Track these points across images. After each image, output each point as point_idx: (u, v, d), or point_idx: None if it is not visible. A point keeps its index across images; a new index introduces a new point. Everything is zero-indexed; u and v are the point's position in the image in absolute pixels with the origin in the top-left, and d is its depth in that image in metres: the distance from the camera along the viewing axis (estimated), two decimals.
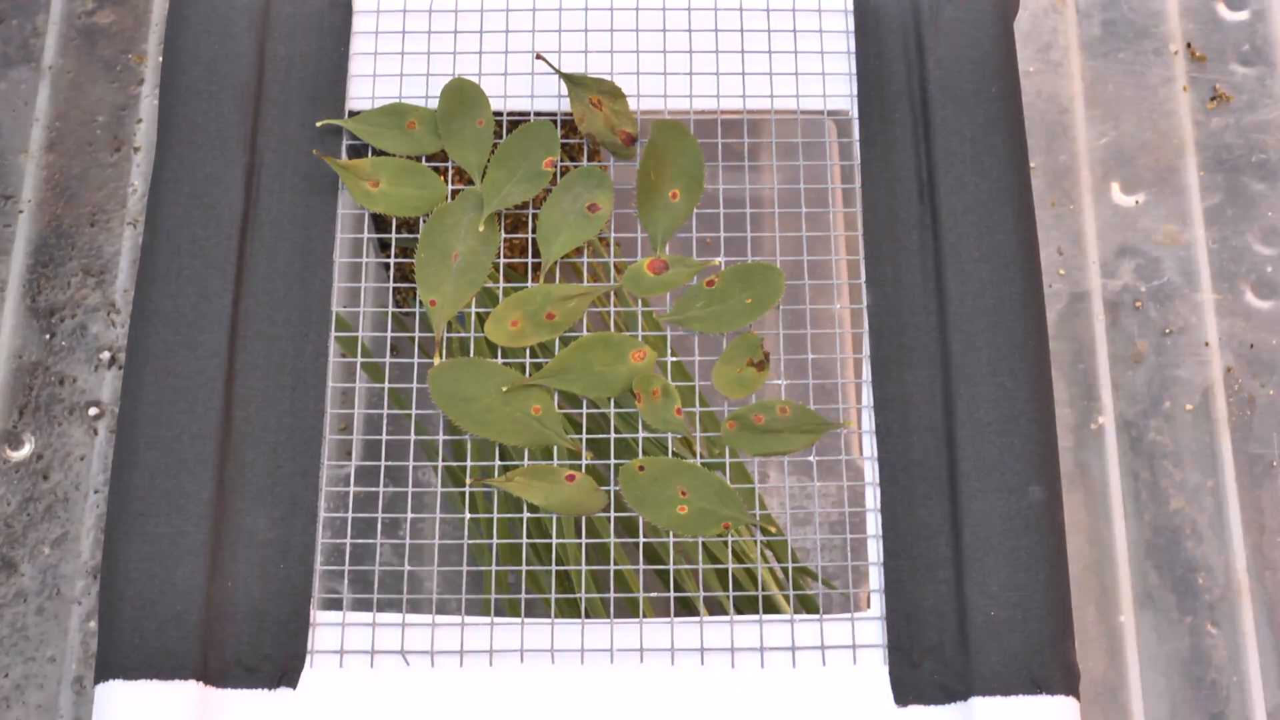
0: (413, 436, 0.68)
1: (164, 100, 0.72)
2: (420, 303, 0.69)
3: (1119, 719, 0.69)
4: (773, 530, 0.67)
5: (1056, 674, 0.63)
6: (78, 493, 0.71)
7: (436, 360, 0.68)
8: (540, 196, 0.72)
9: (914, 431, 0.67)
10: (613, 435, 0.67)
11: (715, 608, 0.67)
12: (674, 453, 0.68)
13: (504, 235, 0.72)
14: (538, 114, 0.73)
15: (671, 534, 0.66)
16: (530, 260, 0.71)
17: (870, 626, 0.65)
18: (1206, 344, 0.76)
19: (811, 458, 0.68)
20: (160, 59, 0.75)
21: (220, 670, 0.63)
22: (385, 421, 0.68)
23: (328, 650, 0.64)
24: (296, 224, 0.70)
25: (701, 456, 0.68)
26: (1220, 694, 0.70)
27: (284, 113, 0.72)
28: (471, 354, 0.69)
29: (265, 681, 0.63)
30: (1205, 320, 0.76)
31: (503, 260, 0.71)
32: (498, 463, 0.67)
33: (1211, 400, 0.75)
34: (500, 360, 0.68)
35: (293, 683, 0.63)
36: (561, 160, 0.73)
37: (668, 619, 0.65)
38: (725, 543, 0.66)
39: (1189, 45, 0.81)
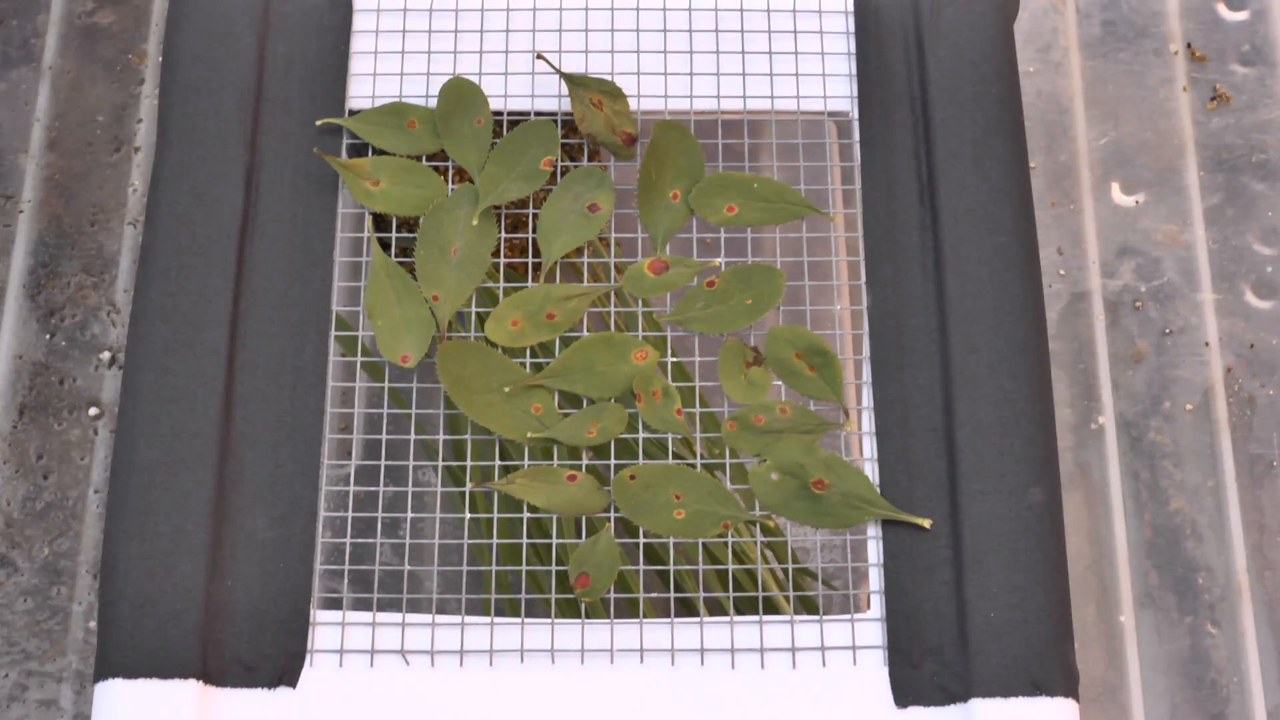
0: (413, 436, 0.68)
1: (164, 99, 0.72)
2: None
3: (1119, 719, 0.69)
4: (771, 525, 0.67)
5: (1056, 676, 0.63)
6: (78, 493, 0.71)
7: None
8: (540, 196, 0.72)
9: (914, 433, 0.67)
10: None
11: (715, 608, 0.67)
12: (674, 454, 0.68)
13: (504, 235, 0.72)
14: (538, 114, 0.73)
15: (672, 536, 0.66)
16: (530, 260, 0.71)
17: (870, 628, 0.65)
18: (1206, 344, 0.76)
19: None
20: (160, 59, 0.75)
21: (220, 669, 0.63)
22: (385, 421, 0.68)
23: (327, 650, 0.64)
24: (296, 223, 0.70)
25: (702, 457, 0.68)
26: (1220, 694, 0.70)
27: (284, 111, 0.72)
28: None
29: (265, 681, 0.63)
30: (1205, 320, 0.76)
31: (503, 260, 0.71)
32: (498, 463, 0.67)
33: (1211, 400, 0.75)
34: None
35: (292, 682, 0.63)
36: (561, 160, 0.73)
37: (668, 619, 0.65)
38: (725, 543, 0.66)
39: (1189, 45, 0.81)
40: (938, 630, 0.64)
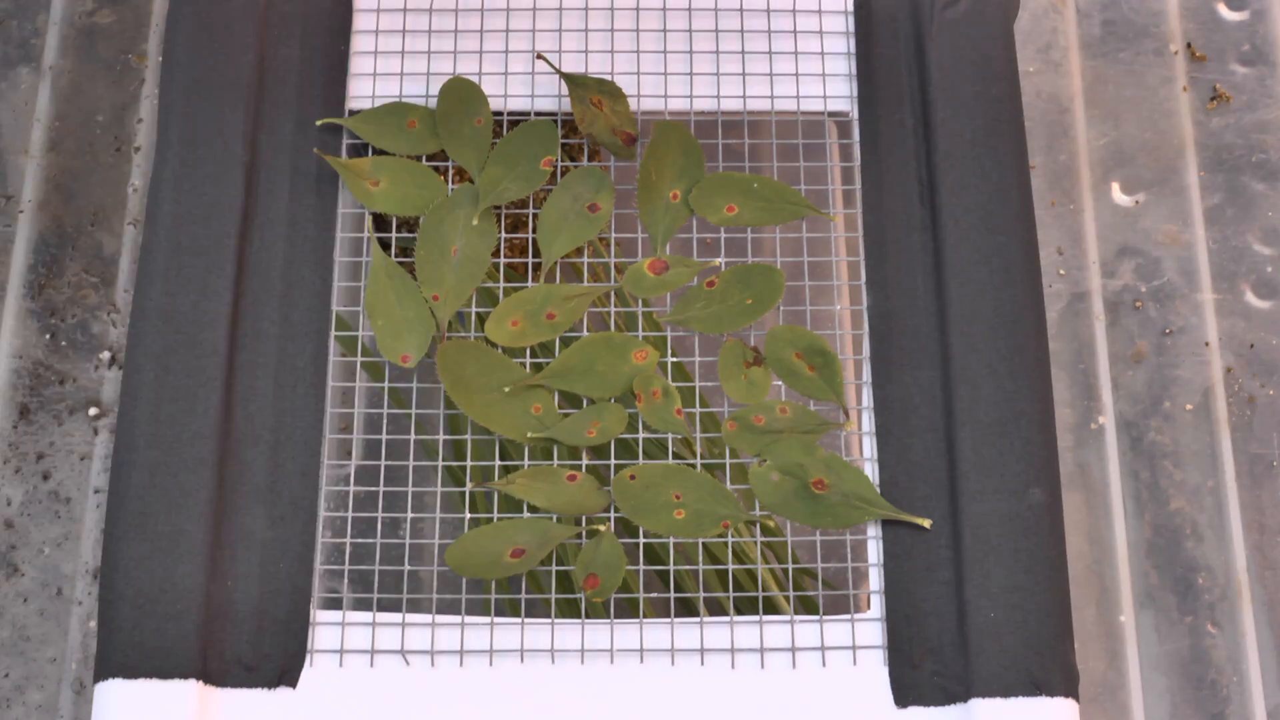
0: (413, 436, 0.68)
1: (164, 99, 0.72)
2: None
3: (1119, 719, 0.69)
4: (771, 525, 0.67)
5: (1056, 675, 0.63)
6: (78, 493, 0.71)
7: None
8: (540, 196, 0.72)
9: (914, 433, 0.67)
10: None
11: (715, 608, 0.67)
12: (674, 454, 0.68)
13: (504, 235, 0.72)
14: (538, 114, 0.73)
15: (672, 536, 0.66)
16: (530, 260, 0.71)
17: (870, 628, 0.65)
18: (1206, 344, 0.76)
19: None
20: (160, 59, 0.75)
21: (220, 669, 0.63)
22: (385, 421, 0.68)
23: (328, 650, 0.64)
24: (296, 223, 0.70)
25: (702, 457, 0.68)
26: (1220, 694, 0.70)
27: (284, 112, 0.72)
28: None
29: (265, 681, 0.63)
30: (1205, 320, 0.76)
31: (503, 260, 0.71)
32: (498, 463, 0.67)
33: (1211, 400, 0.75)
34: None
35: (293, 682, 0.63)
36: (561, 160, 0.73)
37: (668, 619, 0.65)
38: (725, 543, 0.66)
39: (1189, 45, 0.81)
40: (938, 630, 0.64)
